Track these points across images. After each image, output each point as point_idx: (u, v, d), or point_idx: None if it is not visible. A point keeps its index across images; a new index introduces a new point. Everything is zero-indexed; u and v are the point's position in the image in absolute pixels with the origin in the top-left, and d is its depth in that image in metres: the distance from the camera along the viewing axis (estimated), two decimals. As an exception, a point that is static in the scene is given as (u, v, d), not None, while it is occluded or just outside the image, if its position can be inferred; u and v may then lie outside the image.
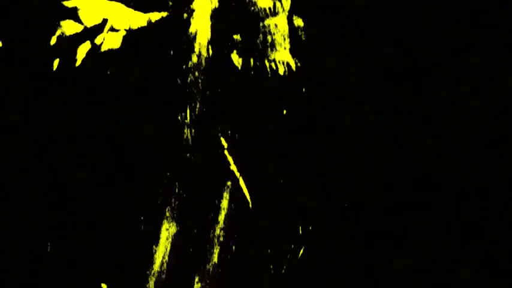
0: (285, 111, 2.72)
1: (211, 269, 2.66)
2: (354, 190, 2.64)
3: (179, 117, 2.74)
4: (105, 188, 2.76)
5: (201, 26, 2.80)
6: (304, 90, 2.71)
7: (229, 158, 2.71)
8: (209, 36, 2.79)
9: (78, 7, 2.89)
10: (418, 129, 2.62)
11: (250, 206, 2.67)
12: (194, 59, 2.78)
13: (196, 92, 2.75)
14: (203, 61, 2.78)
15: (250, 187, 2.71)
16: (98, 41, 2.88)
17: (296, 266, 2.63)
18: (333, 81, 2.71)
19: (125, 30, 2.88)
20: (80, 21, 2.89)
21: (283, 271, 2.63)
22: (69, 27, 2.88)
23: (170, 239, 2.68)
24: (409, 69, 2.66)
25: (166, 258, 2.67)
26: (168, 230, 2.69)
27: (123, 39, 2.88)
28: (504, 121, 2.51)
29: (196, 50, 2.79)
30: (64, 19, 2.89)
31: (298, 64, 2.73)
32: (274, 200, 2.70)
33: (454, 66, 2.62)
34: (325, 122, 2.72)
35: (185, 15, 2.82)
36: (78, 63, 2.87)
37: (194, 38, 2.79)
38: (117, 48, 2.88)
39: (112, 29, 2.90)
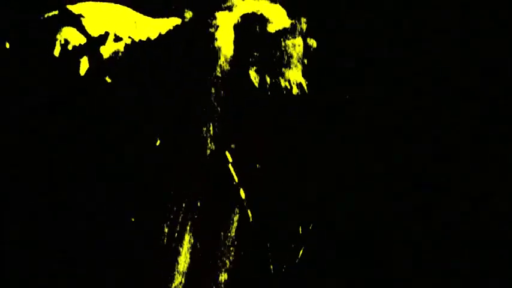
0: (287, 119, 2.77)
1: (211, 269, 2.69)
2: (354, 191, 2.66)
3: (203, 130, 2.80)
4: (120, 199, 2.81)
5: (224, 42, 2.87)
6: (314, 109, 2.77)
7: (231, 165, 2.76)
8: (232, 53, 2.85)
9: (83, 14, 2.96)
10: (419, 133, 2.64)
11: (250, 212, 2.71)
12: (218, 72, 2.84)
13: (218, 105, 2.81)
14: (225, 76, 2.85)
15: (251, 188, 2.74)
16: (108, 49, 2.95)
17: (296, 266, 2.64)
18: (341, 101, 2.75)
19: (142, 39, 2.94)
20: (84, 30, 2.96)
21: (283, 271, 2.64)
22: (72, 36, 2.95)
23: (188, 246, 2.73)
24: (418, 86, 2.69)
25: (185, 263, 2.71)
26: (186, 239, 2.73)
27: (142, 48, 2.94)
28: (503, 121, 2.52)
29: (221, 63, 2.85)
30: (67, 26, 2.96)
31: (309, 85, 2.80)
32: (275, 200, 2.73)
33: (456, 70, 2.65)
34: (325, 129, 2.76)
35: (212, 29, 2.89)
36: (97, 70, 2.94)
37: (219, 52, 2.86)
38: (134, 57, 2.94)
39: (131, 38, 2.97)
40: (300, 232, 2.70)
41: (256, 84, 2.80)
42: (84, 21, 2.95)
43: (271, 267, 2.67)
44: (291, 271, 2.66)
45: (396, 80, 2.72)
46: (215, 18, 2.90)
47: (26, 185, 2.89)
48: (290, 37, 2.86)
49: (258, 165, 2.76)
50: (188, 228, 2.74)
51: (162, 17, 2.93)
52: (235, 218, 2.73)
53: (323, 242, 2.67)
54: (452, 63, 2.66)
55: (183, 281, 2.69)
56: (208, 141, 2.78)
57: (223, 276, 2.69)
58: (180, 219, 2.75)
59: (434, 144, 2.63)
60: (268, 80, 2.81)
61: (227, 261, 2.70)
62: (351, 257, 2.61)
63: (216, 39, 2.86)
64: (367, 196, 2.66)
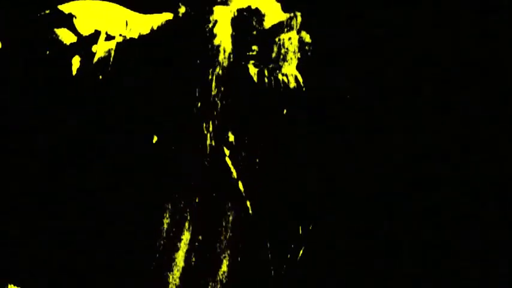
0: (285, 113, 2.75)
1: (214, 270, 2.68)
2: (354, 190, 2.66)
3: (202, 126, 2.77)
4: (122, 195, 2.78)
5: (224, 37, 2.83)
6: (308, 102, 2.75)
7: (230, 163, 2.74)
8: (231, 48, 2.82)
9: (74, 14, 2.91)
10: (419, 132, 2.64)
11: (250, 210, 2.69)
12: (218, 68, 2.81)
13: (218, 101, 2.79)
14: (226, 71, 2.82)
15: (252, 189, 2.73)
16: (101, 48, 2.90)
17: (296, 266, 2.64)
18: (336, 97, 2.74)
19: (136, 37, 2.90)
20: (76, 29, 2.90)
21: (283, 271, 2.64)
22: (64, 36, 2.90)
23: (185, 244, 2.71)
24: (412, 78, 2.68)
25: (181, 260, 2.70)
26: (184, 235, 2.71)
27: (138, 47, 2.89)
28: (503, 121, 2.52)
29: (221, 60, 2.82)
30: (59, 27, 2.91)
31: (304, 78, 2.78)
32: (275, 201, 2.72)
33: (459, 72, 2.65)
34: (325, 128, 2.74)
35: (210, 25, 2.85)
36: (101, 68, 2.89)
37: (219, 48, 2.82)
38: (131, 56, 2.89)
39: (124, 36, 2.92)
40: (300, 232, 2.69)
41: (255, 79, 2.78)
42: (75, 21, 2.90)
43: (271, 267, 2.67)
44: (291, 271, 2.66)
45: (390, 73, 2.71)
46: (212, 12, 2.87)
47: (23, 184, 2.86)
48: (285, 31, 2.84)
49: (257, 160, 2.74)
50: (187, 223, 2.73)
51: (154, 13, 2.88)
52: (234, 212, 2.73)
53: (323, 242, 2.67)
54: (451, 61, 2.66)
55: (182, 277, 2.68)
56: (208, 136, 2.76)
57: (223, 271, 2.68)
58: (179, 214, 2.73)
59: (434, 142, 2.63)
60: (266, 74, 2.78)
61: (226, 256, 2.70)
62: (351, 257, 2.61)
63: (216, 35, 2.83)
64: (368, 194, 2.66)
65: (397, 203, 2.62)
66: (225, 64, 2.82)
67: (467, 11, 2.63)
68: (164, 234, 2.73)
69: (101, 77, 2.86)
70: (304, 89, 2.76)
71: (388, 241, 2.59)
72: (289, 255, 2.66)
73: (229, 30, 2.84)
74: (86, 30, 2.90)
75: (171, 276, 2.67)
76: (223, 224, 2.72)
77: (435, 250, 2.53)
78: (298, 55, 2.80)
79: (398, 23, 2.71)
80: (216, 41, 2.83)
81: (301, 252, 2.65)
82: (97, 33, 2.89)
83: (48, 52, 2.91)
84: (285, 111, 2.77)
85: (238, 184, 2.73)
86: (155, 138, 2.79)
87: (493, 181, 2.52)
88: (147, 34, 2.87)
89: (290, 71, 2.77)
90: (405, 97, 2.68)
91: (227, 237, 2.71)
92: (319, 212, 2.68)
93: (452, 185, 2.57)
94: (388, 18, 2.72)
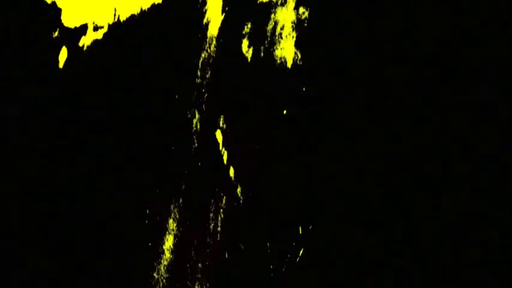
0: (285, 111, 2.75)
1: (213, 269, 2.68)
2: (354, 190, 2.66)
3: (189, 116, 2.75)
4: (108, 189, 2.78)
5: (213, 15, 2.80)
6: (308, 85, 2.73)
7: (226, 157, 2.73)
8: (220, 26, 2.79)
9: (59, 4, 2.88)
10: (420, 129, 2.64)
11: (248, 210, 2.69)
12: (205, 54, 2.78)
13: (208, 88, 2.76)
14: (215, 54, 2.78)
15: (250, 187, 2.73)
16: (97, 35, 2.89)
17: (296, 266, 2.64)
18: (336, 78, 2.73)
19: (122, 22, 2.88)
20: (61, 22, 2.88)
21: (283, 271, 2.64)
22: (50, 29, 2.89)
23: (174, 240, 2.71)
24: (414, 67, 2.68)
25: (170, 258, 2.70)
26: (172, 231, 2.71)
27: (122, 33, 2.87)
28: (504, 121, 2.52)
29: (209, 41, 2.78)
30: (44, 19, 2.90)
31: (303, 57, 2.75)
32: (274, 200, 2.72)
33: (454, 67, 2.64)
34: (325, 121, 2.74)
35: (199, 5, 2.82)
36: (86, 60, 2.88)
37: (206, 29, 2.79)
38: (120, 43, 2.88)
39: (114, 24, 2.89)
40: (300, 232, 2.70)
41: (249, 59, 2.76)
42: (61, 12, 2.89)
43: (271, 267, 2.67)
44: (291, 271, 2.67)
45: (390, 72, 2.71)
46: None
47: (22, 183, 2.87)
48: (280, 6, 2.80)
49: (254, 153, 2.74)
50: (183, 222, 2.73)
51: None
52: (231, 212, 2.73)
53: (323, 242, 2.67)
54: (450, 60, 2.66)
55: (178, 276, 2.69)
56: (195, 122, 2.76)
57: (222, 271, 2.68)
58: (174, 213, 2.74)
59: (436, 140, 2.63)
60: (262, 53, 2.76)
61: (225, 256, 2.70)
62: (351, 257, 2.62)
63: (206, 14, 2.80)
64: (368, 194, 2.66)
65: (397, 203, 2.63)
66: (216, 45, 2.80)
67: (468, 10, 2.63)
68: (156, 232, 2.73)
69: (90, 69, 2.86)
70: (303, 67, 2.74)
71: (388, 241, 2.60)
72: (289, 255, 2.66)
73: (220, 9, 2.82)
74: (72, 22, 2.90)
75: (167, 277, 2.68)
76: (222, 224, 2.72)
77: (435, 250, 2.53)
78: (295, 33, 2.78)
79: (398, 23, 2.71)
80: (205, 20, 2.81)
81: (301, 252, 2.66)
82: (84, 24, 2.88)
83: (34, 47, 2.90)
84: (284, 109, 2.76)
85: (233, 181, 2.73)
86: (146, 128, 2.79)
87: (493, 181, 2.52)
88: (136, 21, 2.85)
89: (288, 48, 2.73)
90: (405, 97, 2.68)
91: (226, 237, 2.72)
92: (319, 212, 2.69)
93: (452, 185, 2.57)
94: (388, 17, 2.72)
